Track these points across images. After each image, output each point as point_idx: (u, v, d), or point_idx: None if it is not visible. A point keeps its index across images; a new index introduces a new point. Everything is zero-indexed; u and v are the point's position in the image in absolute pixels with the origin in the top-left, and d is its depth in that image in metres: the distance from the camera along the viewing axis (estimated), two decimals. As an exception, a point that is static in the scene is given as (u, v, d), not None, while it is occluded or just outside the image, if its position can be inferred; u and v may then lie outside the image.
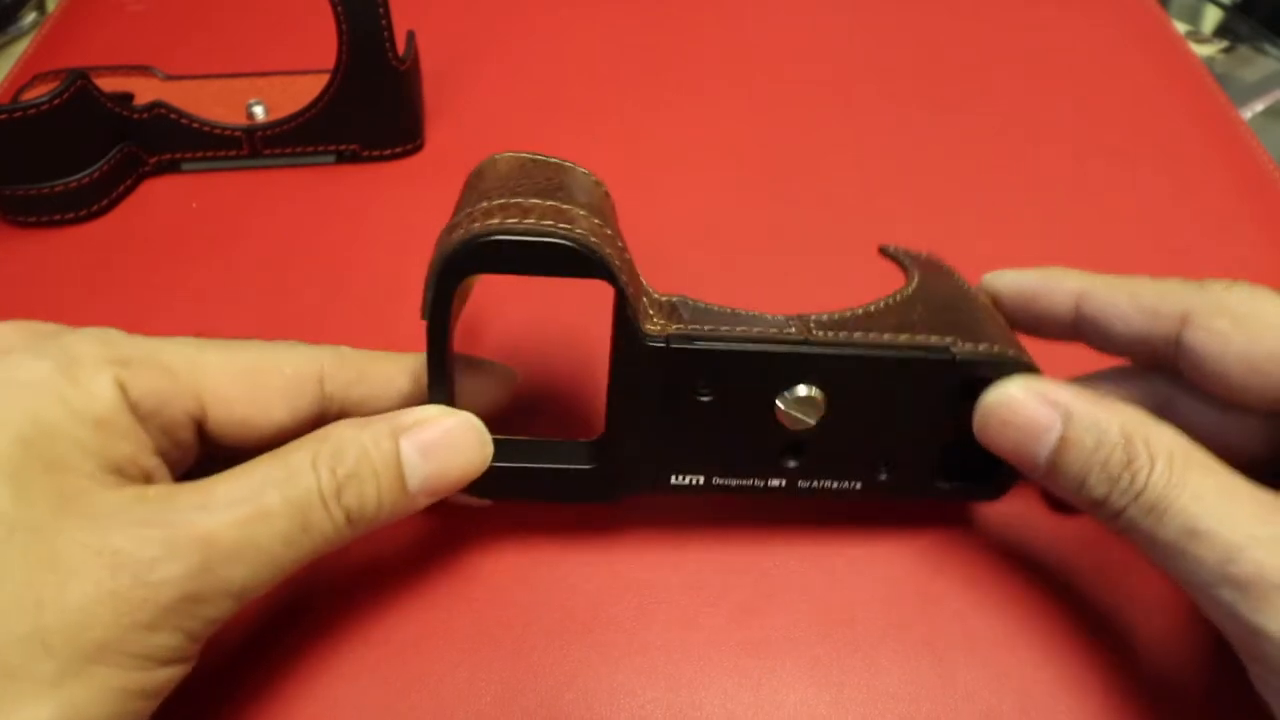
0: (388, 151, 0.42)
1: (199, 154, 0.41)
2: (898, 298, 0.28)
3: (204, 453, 0.25)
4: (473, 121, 0.44)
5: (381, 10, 0.38)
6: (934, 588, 0.28)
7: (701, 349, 0.24)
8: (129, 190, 0.41)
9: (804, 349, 0.25)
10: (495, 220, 0.22)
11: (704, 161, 0.43)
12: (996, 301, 0.29)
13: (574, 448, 0.27)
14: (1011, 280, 0.28)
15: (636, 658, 0.26)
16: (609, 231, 0.24)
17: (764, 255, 0.38)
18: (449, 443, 0.24)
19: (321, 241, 0.39)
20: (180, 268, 0.38)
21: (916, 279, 0.29)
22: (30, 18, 0.69)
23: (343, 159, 0.42)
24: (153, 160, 0.41)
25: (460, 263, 0.23)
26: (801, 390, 0.25)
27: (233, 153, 0.41)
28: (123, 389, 0.22)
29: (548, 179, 0.24)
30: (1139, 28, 0.51)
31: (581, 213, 0.23)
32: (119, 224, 0.40)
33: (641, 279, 0.26)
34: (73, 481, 0.20)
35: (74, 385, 0.21)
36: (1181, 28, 0.68)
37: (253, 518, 0.21)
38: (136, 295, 0.37)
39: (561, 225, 0.23)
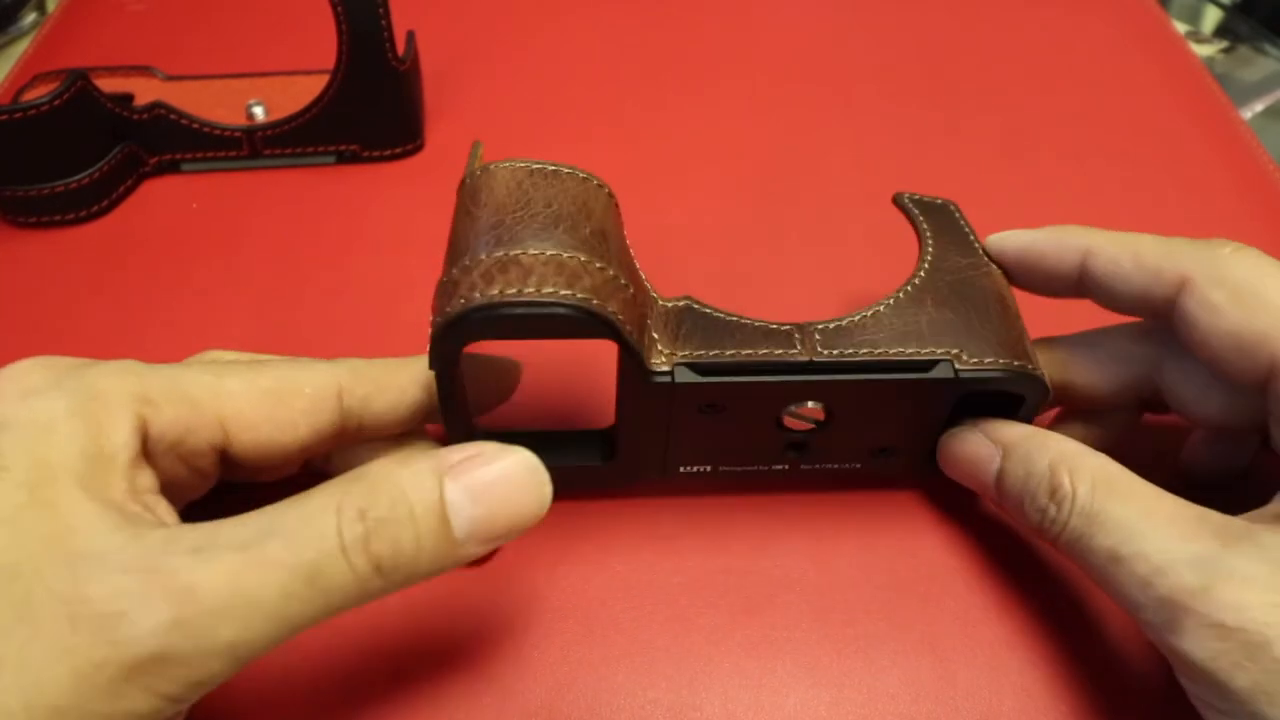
0: (388, 151, 0.42)
1: (199, 154, 0.41)
2: (906, 291, 0.27)
3: (224, 474, 0.25)
4: (473, 121, 0.44)
5: (381, 10, 0.38)
6: (934, 588, 0.28)
7: (705, 383, 0.24)
8: (129, 191, 0.41)
9: (807, 377, 0.25)
10: (495, 290, 0.21)
11: (704, 161, 0.43)
12: (1002, 263, 0.29)
13: (585, 441, 0.28)
14: (1021, 241, 0.28)
15: (636, 658, 0.26)
16: (610, 272, 0.23)
17: (765, 255, 0.38)
18: (502, 484, 0.21)
19: (321, 241, 0.39)
20: (180, 268, 0.38)
21: (929, 259, 0.28)
22: (30, 18, 0.69)
23: (343, 159, 0.42)
24: (153, 161, 0.41)
25: (460, 332, 0.22)
26: (807, 404, 0.26)
27: (233, 153, 0.41)
28: (145, 425, 0.22)
29: (547, 204, 0.23)
30: (1139, 28, 0.51)
31: (583, 258, 0.22)
32: (119, 224, 0.40)
33: (647, 287, 0.25)
34: (67, 520, 0.19)
35: (87, 422, 0.21)
36: (1181, 28, 0.68)
37: (246, 567, 0.19)
38: (136, 295, 0.37)
39: (563, 290, 0.21)
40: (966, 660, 0.27)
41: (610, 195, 0.25)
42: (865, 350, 0.25)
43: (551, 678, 0.26)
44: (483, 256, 0.22)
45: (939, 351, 0.25)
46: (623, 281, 0.23)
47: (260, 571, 0.19)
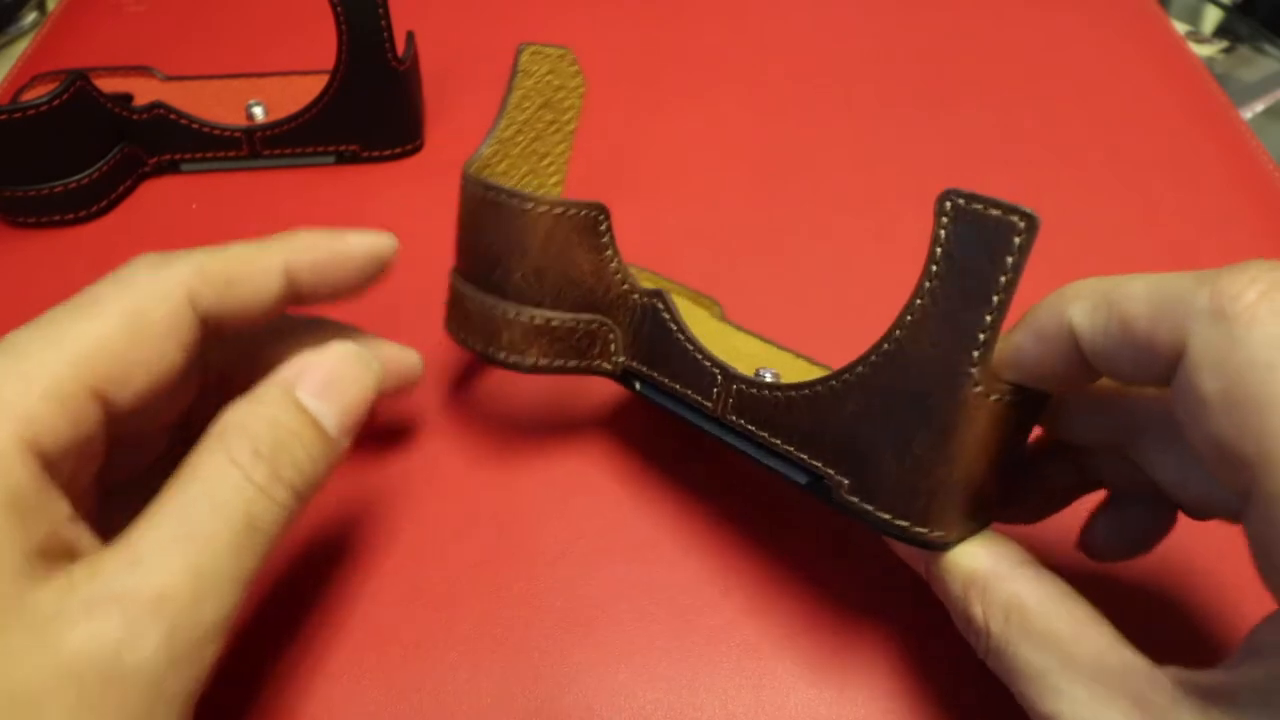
0: (387, 151, 0.42)
1: (199, 155, 0.41)
2: (832, 385, 0.23)
3: (114, 434, 0.22)
4: (473, 121, 0.44)
5: (381, 11, 0.38)
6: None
7: (638, 390, 0.28)
8: (129, 191, 0.41)
9: (708, 426, 0.26)
10: (453, 325, 0.29)
11: (704, 162, 0.43)
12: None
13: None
14: (1004, 360, 0.21)
15: (637, 658, 0.26)
16: (538, 320, 0.27)
17: (764, 256, 0.38)
18: (339, 377, 0.23)
19: (321, 242, 0.39)
20: (180, 268, 0.38)
21: (895, 338, 0.21)
22: (30, 18, 0.69)
23: (342, 159, 0.42)
24: (152, 161, 0.41)
25: None
26: None
27: (232, 153, 0.41)
28: (36, 448, 0.19)
29: (489, 245, 0.27)
30: (1139, 28, 0.51)
31: (510, 312, 0.27)
32: (119, 224, 0.40)
33: (618, 281, 0.28)
34: (3, 590, 0.18)
35: None
36: (1181, 28, 0.68)
37: (196, 552, 0.19)
38: (136, 296, 0.37)
39: (480, 350, 0.27)
40: (970, 659, 0.26)
41: (558, 217, 0.26)
42: (765, 433, 0.24)
43: (552, 679, 0.26)
44: (457, 280, 0.28)
45: (828, 470, 0.23)
46: (555, 323, 0.27)
47: (208, 547, 0.19)
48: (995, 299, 0.20)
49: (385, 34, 0.39)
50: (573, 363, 0.28)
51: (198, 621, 0.19)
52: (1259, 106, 0.67)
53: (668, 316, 0.27)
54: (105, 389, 0.20)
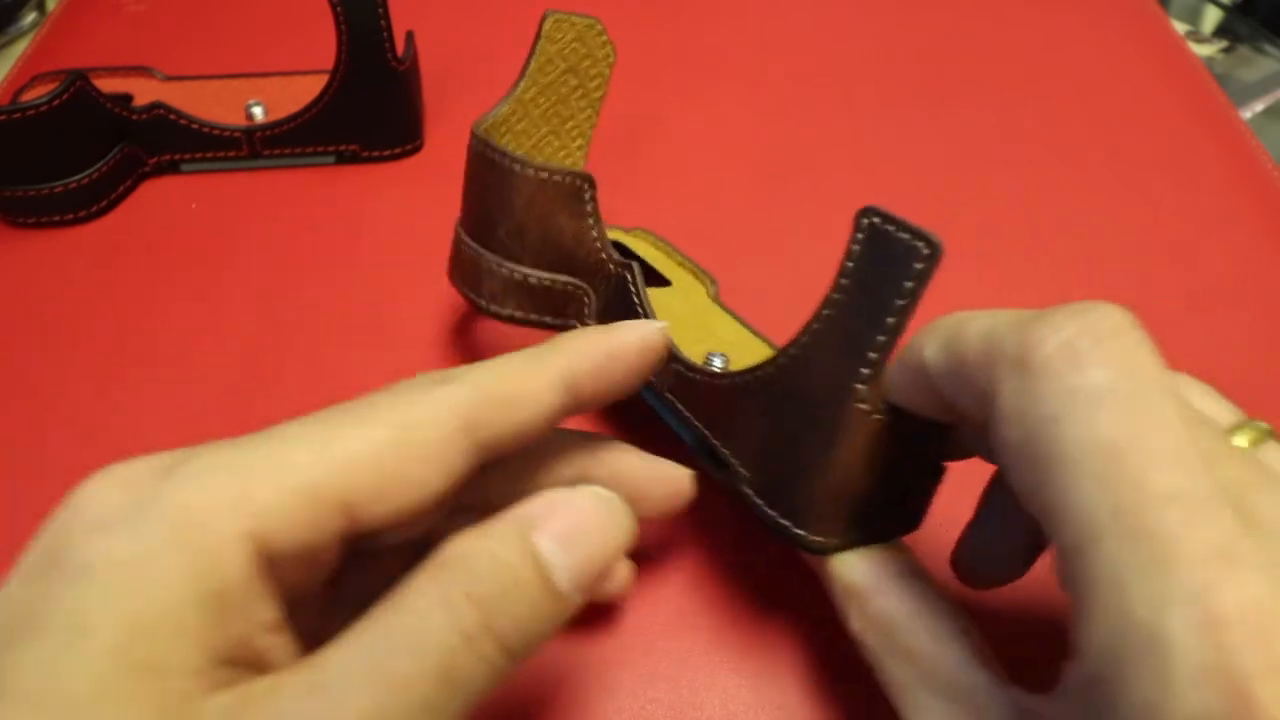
0: (387, 151, 0.42)
1: (198, 155, 0.41)
2: (746, 380, 0.24)
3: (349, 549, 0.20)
4: (472, 121, 0.44)
5: (381, 11, 0.38)
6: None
7: None
8: (128, 191, 0.41)
9: (650, 400, 0.28)
10: (454, 269, 0.31)
11: (704, 162, 0.43)
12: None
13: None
14: (887, 387, 0.22)
15: (637, 658, 0.26)
16: (518, 275, 0.29)
17: (765, 254, 0.38)
18: (586, 524, 0.20)
19: (321, 242, 0.39)
20: (180, 268, 0.38)
21: (801, 344, 0.22)
22: (30, 18, 0.69)
23: (342, 159, 0.42)
24: (152, 161, 0.41)
25: None
26: None
27: (232, 153, 0.41)
28: (262, 543, 0.17)
29: (482, 199, 0.29)
30: (1139, 28, 0.51)
31: (494, 263, 0.29)
32: (119, 225, 0.40)
33: (596, 248, 0.28)
34: (174, 688, 0.16)
35: (186, 557, 0.17)
36: (1181, 28, 0.68)
37: (383, 692, 0.16)
38: (136, 295, 0.37)
39: (469, 293, 0.30)
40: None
41: (542, 181, 0.27)
42: (690, 414, 0.26)
43: (552, 678, 0.26)
44: (459, 229, 0.30)
45: (739, 468, 0.24)
46: (533, 280, 0.29)
47: (397, 696, 0.17)
48: (890, 320, 0.20)
49: (385, 34, 0.39)
50: (547, 319, 0.29)
51: None
52: (1259, 106, 0.67)
53: (633, 289, 0.28)
54: (355, 503, 0.19)
